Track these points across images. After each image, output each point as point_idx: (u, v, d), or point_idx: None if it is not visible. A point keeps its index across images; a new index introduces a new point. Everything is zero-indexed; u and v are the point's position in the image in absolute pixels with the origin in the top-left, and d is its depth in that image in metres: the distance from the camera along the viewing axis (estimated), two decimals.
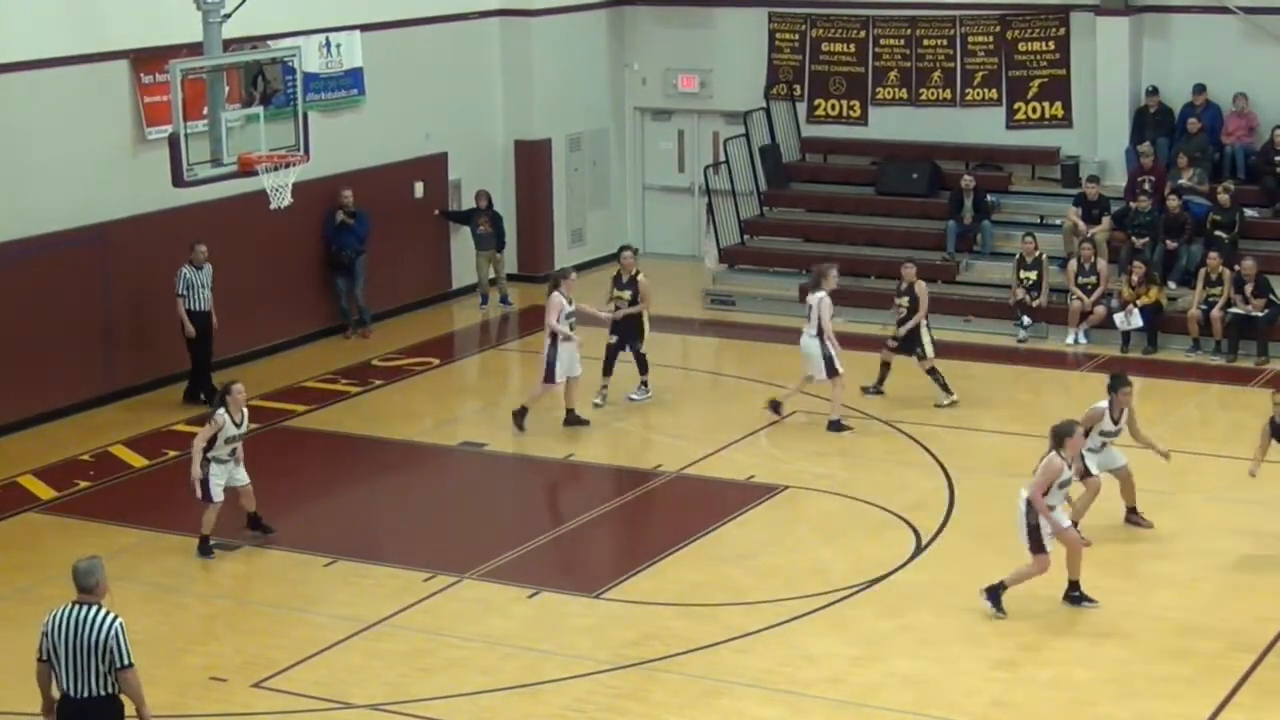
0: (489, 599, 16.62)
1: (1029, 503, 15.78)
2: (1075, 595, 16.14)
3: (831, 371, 21.06)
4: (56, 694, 11.67)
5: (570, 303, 21.14)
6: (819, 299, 21.15)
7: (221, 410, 17.25)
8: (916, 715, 14.16)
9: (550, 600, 16.63)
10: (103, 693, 11.53)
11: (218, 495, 17.38)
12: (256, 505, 17.87)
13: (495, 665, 15.16)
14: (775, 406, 21.42)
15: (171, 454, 20.74)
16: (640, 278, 22.06)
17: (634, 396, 22.20)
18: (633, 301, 21.97)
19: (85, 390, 22.20)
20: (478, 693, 14.64)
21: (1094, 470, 17.32)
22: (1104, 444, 17.43)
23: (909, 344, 22.26)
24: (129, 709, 11.64)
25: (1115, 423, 17.31)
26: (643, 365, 22.23)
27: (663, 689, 14.66)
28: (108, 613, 11.50)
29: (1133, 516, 17.91)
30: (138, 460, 20.62)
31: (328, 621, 16.07)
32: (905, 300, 22.35)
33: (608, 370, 22.06)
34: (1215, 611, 16.02)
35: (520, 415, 21.18)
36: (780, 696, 14.48)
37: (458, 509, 19.29)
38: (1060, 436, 15.78)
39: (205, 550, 17.53)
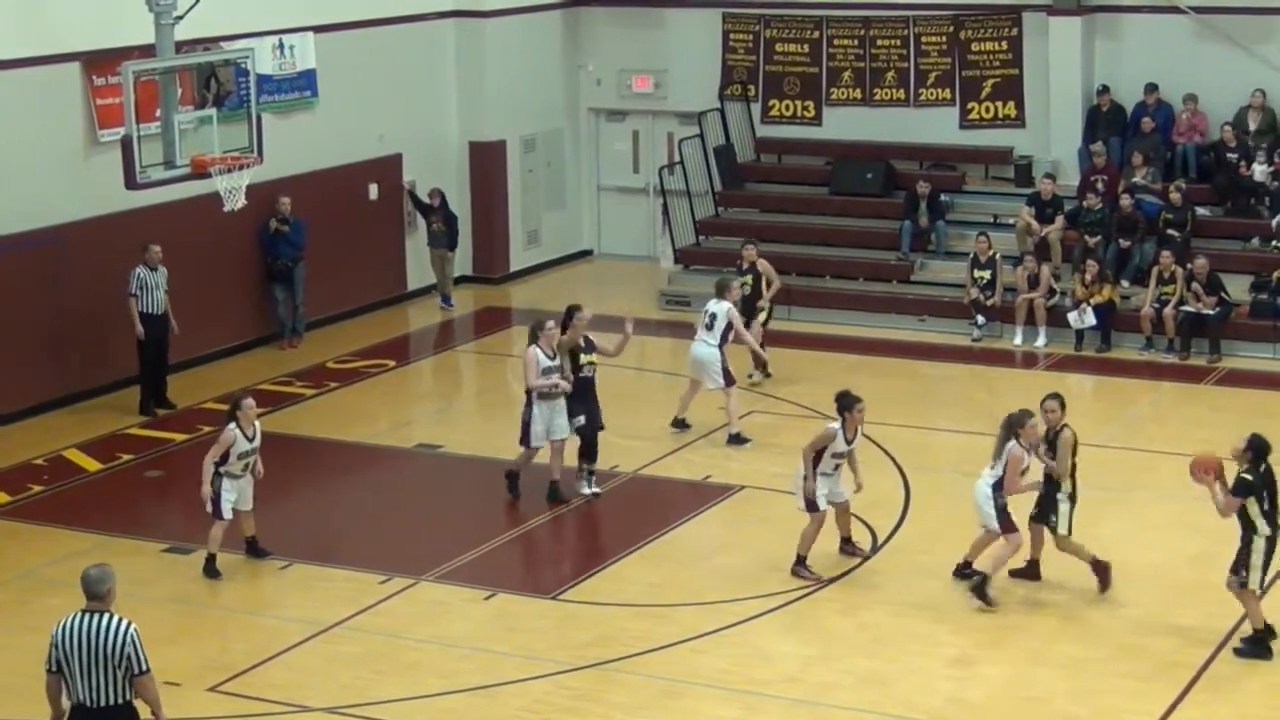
0: (446, 601, 16.60)
1: (995, 488, 16.11)
2: (966, 573, 16.57)
3: (729, 380, 20.92)
4: (67, 705, 11.54)
5: (552, 356, 18.78)
6: (725, 309, 20.92)
7: (232, 425, 16.87)
8: (873, 714, 14.20)
9: (507, 602, 16.62)
10: (119, 701, 11.43)
11: (227, 513, 16.99)
12: (254, 530, 17.53)
13: (452, 667, 15.15)
14: (680, 424, 21.14)
15: (125, 458, 20.69)
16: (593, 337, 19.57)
17: (590, 489, 19.30)
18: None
19: (38, 394, 22.09)
20: (435, 695, 14.63)
21: (821, 497, 16.81)
22: (836, 466, 16.92)
23: (749, 316, 22.56)
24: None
25: (849, 442, 16.87)
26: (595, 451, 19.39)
27: (620, 690, 14.67)
28: (121, 619, 11.41)
29: (846, 546, 17.42)
30: (91, 464, 20.53)
31: (284, 625, 16.03)
32: (749, 278, 22.76)
33: (591, 455, 19.24)
34: (1170, 608, 16.11)
35: (512, 478, 19.20)
36: (737, 696, 14.50)
37: (414, 511, 19.24)
38: (1014, 426, 16.08)
39: (212, 572, 17.13)
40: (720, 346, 20.88)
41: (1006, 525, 16.26)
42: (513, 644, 15.62)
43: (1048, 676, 14.79)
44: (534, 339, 18.70)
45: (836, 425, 16.83)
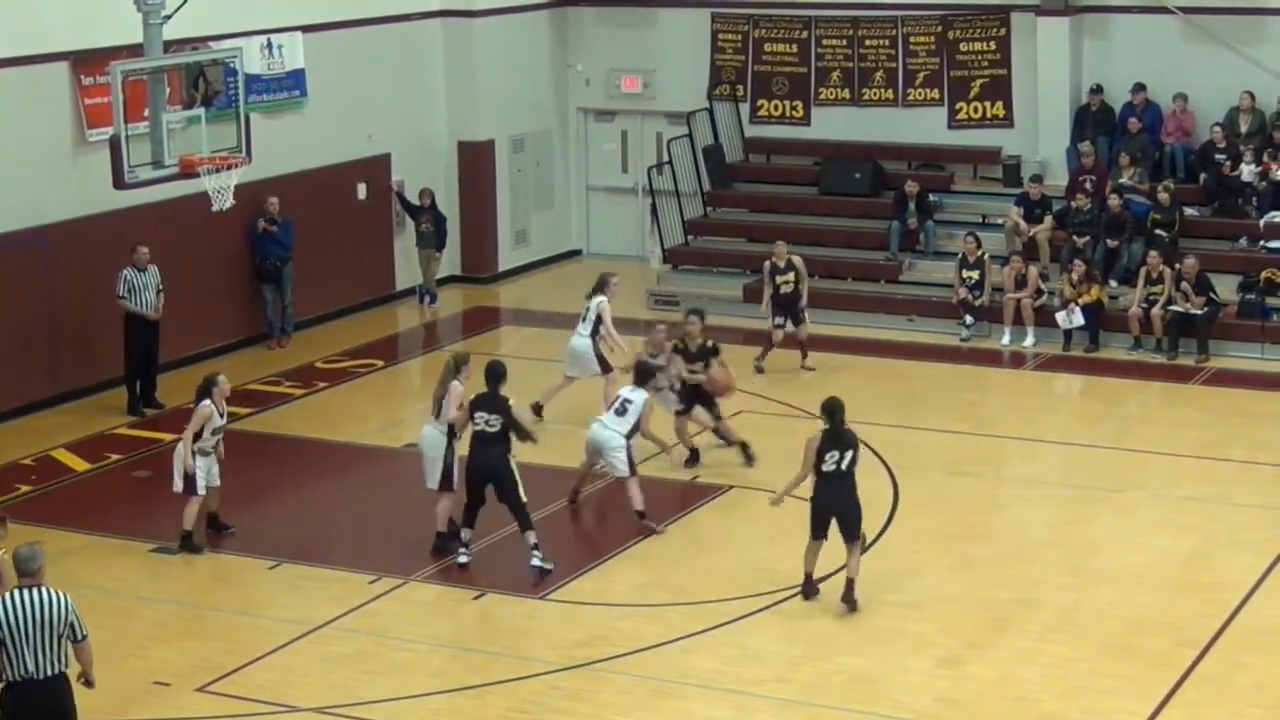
0: (435, 601, 16.61)
1: (628, 436, 18.34)
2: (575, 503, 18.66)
3: (606, 368, 21.44)
4: None
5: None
6: (600, 302, 21.49)
7: (207, 401, 17.45)
8: (863, 713, 14.21)
9: (496, 602, 16.63)
10: (63, 669, 12.05)
11: (201, 489, 17.56)
12: (218, 505, 18.08)
13: (441, 667, 15.15)
14: (537, 409, 21.31)
15: (114, 458, 20.67)
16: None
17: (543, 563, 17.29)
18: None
19: (26, 394, 22.05)
20: (424, 695, 14.63)
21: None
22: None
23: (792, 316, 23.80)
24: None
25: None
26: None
27: (610, 689, 14.67)
28: (56, 590, 11.99)
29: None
30: (80, 464, 20.51)
31: (273, 624, 16.02)
32: (790, 276, 23.69)
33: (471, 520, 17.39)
34: (1159, 608, 16.13)
35: (446, 538, 17.76)
36: (727, 696, 14.51)
37: (403, 511, 19.22)
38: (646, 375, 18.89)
39: (192, 547, 17.58)
40: (592, 337, 21.47)
41: (633, 469, 18.28)
42: (502, 644, 15.63)
43: (1037, 676, 14.80)
44: (456, 372, 17.59)
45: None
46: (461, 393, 17.58)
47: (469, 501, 17.27)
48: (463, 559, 17.31)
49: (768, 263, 23.82)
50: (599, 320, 21.51)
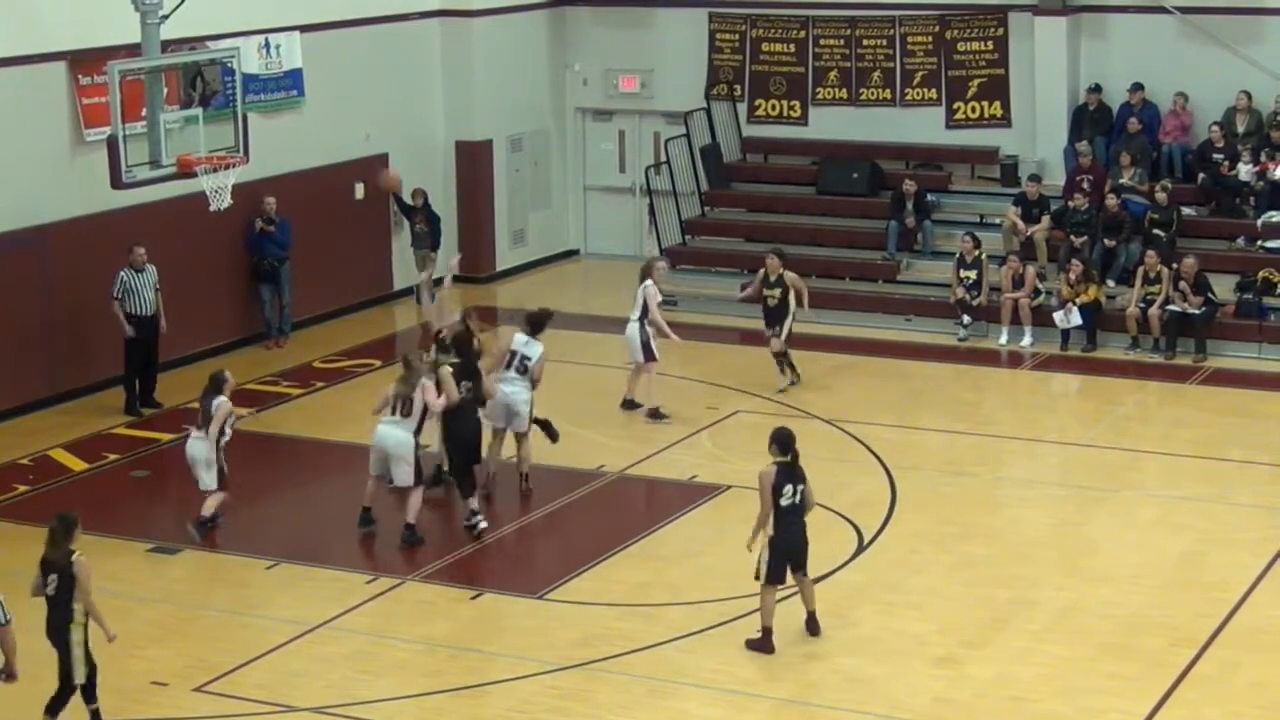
0: (432, 601, 16.60)
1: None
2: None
3: (648, 356, 21.69)
4: None
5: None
6: (644, 287, 21.78)
7: (224, 397, 17.80)
8: (860, 713, 14.21)
9: (493, 601, 16.63)
10: None
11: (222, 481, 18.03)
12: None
13: (439, 667, 15.15)
14: (654, 414, 21.67)
15: (111, 457, 20.66)
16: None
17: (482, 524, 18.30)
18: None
19: (23, 393, 22.05)
20: (421, 695, 14.63)
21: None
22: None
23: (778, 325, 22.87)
24: None
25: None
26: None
27: (607, 689, 14.67)
28: None
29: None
30: (77, 464, 20.50)
31: (270, 624, 16.02)
32: (777, 291, 22.66)
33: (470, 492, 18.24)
34: (1156, 608, 16.13)
35: (409, 530, 18.09)
36: (724, 695, 14.51)
37: (400, 511, 19.21)
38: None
39: (205, 531, 17.91)
40: (641, 322, 21.71)
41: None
42: (499, 644, 15.63)
43: (1034, 676, 14.80)
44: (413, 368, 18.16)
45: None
46: (433, 386, 17.89)
47: (465, 469, 18.06)
48: (484, 524, 18.03)
49: (762, 270, 23.38)
50: (646, 306, 21.80)
